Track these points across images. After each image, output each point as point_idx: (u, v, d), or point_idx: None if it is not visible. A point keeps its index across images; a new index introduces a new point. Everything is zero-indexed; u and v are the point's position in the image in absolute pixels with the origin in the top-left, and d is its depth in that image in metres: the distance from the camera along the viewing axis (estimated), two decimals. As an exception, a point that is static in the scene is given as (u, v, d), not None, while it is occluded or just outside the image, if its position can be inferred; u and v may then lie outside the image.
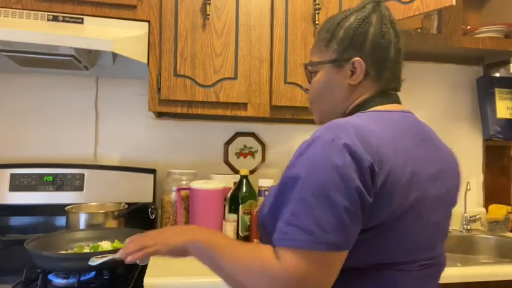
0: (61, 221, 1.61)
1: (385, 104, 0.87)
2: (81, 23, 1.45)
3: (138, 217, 1.63)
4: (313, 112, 0.95)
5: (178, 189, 1.65)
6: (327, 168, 0.71)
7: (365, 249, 0.74)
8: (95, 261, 0.98)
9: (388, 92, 0.88)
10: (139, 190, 1.75)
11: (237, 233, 1.58)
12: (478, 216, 2.03)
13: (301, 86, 1.62)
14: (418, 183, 0.77)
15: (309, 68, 0.92)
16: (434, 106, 2.16)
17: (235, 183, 1.67)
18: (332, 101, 0.89)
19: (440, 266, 0.87)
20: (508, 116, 2.12)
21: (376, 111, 0.85)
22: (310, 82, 0.93)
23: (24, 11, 1.41)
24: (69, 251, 1.34)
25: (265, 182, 1.65)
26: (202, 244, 0.82)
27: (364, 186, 0.71)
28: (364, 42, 0.85)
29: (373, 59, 0.85)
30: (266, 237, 0.80)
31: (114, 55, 1.60)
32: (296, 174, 0.73)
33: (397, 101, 0.89)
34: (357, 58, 0.84)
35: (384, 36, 0.85)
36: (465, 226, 2.02)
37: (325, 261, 0.70)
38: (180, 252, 0.85)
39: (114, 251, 0.98)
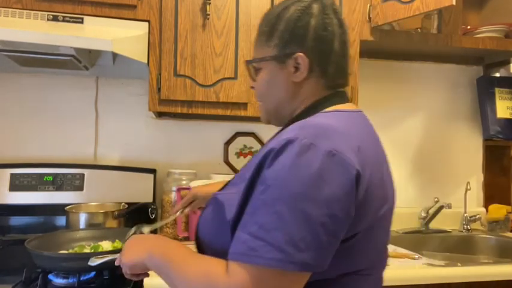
0: (61, 221, 1.61)
1: (340, 103, 0.81)
2: (81, 22, 1.45)
3: (138, 217, 1.63)
4: (260, 111, 0.88)
5: (178, 189, 1.65)
6: (304, 176, 0.63)
7: (335, 260, 0.67)
8: (94, 262, 0.97)
9: (339, 91, 0.83)
10: (139, 190, 1.75)
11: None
12: (478, 216, 2.03)
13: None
14: (385, 191, 0.76)
15: (253, 64, 0.85)
16: (434, 106, 2.16)
17: (235, 183, 1.67)
18: (277, 99, 0.83)
19: (386, 265, 0.85)
20: (508, 116, 2.12)
21: (339, 111, 0.79)
22: (254, 80, 0.86)
23: (24, 11, 1.41)
24: (70, 251, 1.34)
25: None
26: (157, 258, 0.76)
27: (349, 198, 0.65)
28: (306, 36, 0.78)
29: (316, 53, 0.78)
30: (213, 254, 0.72)
31: (114, 55, 1.60)
32: (268, 180, 0.65)
33: (349, 100, 0.84)
34: (300, 53, 0.78)
35: (327, 28, 0.78)
36: (465, 226, 2.03)
37: (291, 281, 0.63)
38: (141, 268, 0.81)
39: (114, 251, 0.98)
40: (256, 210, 0.65)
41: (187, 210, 1.22)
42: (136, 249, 0.81)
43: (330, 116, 0.76)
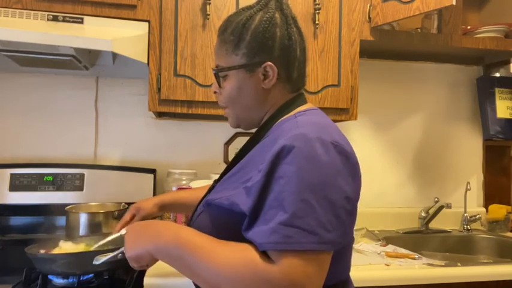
0: (61, 221, 1.61)
1: (303, 104, 0.89)
2: (81, 22, 1.45)
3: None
4: (228, 116, 0.92)
5: (179, 189, 1.64)
6: (322, 166, 0.70)
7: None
8: (99, 260, 0.94)
9: (299, 93, 0.90)
10: (139, 190, 1.75)
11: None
12: (478, 216, 2.03)
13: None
14: (360, 173, 0.82)
15: (220, 72, 0.88)
16: (434, 106, 2.16)
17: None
18: (247, 105, 0.87)
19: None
20: (508, 116, 2.12)
21: (311, 109, 0.86)
22: (220, 86, 0.89)
23: (24, 11, 1.41)
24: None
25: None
26: (167, 244, 0.74)
27: (354, 181, 0.75)
28: (273, 46, 0.83)
29: (282, 61, 0.85)
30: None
31: (114, 55, 1.60)
32: (288, 173, 0.70)
33: (306, 100, 0.91)
34: (269, 62, 0.83)
35: (291, 37, 0.85)
36: (465, 226, 2.03)
37: (325, 260, 0.70)
38: (148, 259, 0.78)
39: (117, 248, 0.95)
40: (282, 202, 0.69)
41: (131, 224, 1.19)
42: (138, 239, 0.79)
43: (310, 114, 0.83)
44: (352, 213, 0.75)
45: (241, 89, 0.86)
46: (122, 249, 0.87)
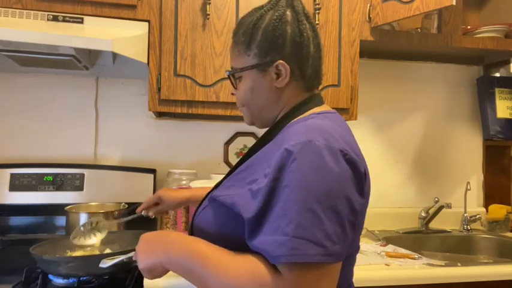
0: (61, 221, 1.62)
1: (319, 105, 0.87)
2: (81, 22, 1.45)
3: (138, 217, 1.62)
4: (244, 114, 0.93)
5: (179, 189, 1.64)
6: (329, 175, 0.69)
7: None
8: (105, 263, 0.92)
9: (315, 94, 0.88)
10: (139, 190, 1.75)
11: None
12: (478, 216, 2.03)
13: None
14: (369, 182, 0.82)
15: (234, 74, 0.89)
16: (434, 106, 2.16)
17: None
18: (261, 105, 0.87)
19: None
20: (508, 116, 2.12)
21: (326, 112, 0.85)
22: (235, 88, 0.90)
23: (24, 11, 1.41)
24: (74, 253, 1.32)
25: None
26: (179, 256, 0.75)
27: (360, 192, 0.74)
28: (284, 44, 0.82)
29: (295, 59, 0.83)
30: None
31: (114, 55, 1.61)
32: (294, 182, 0.68)
33: (324, 101, 0.90)
34: (280, 61, 0.82)
35: (302, 34, 0.83)
36: (465, 226, 2.03)
37: (333, 271, 0.69)
38: (160, 271, 0.79)
39: (125, 251, 0.95)
40: (287, 212, 0.67)
41: (151, 213, 1.26)
42: (151, 251, 0.79)
43: (323, 118, 0.81)
44: (357, 223, 0.74)
45: (255, 89, 0.86)
46: (130, 254, 0.87)
